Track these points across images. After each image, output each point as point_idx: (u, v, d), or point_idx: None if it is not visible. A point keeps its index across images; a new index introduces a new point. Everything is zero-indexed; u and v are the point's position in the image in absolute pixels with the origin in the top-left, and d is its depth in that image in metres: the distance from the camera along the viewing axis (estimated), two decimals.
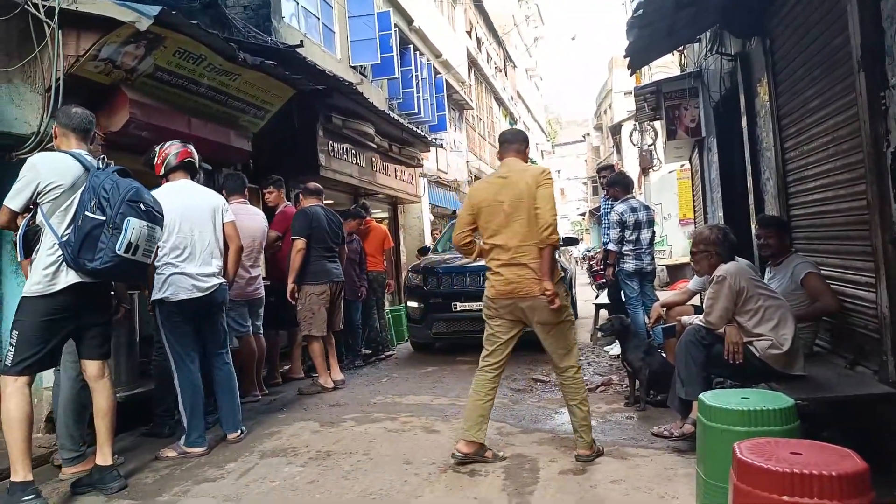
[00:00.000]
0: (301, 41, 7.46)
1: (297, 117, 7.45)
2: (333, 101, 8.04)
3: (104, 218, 2.86)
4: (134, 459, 3.61)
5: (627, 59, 5.88)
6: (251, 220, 5.11)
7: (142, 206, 2.96)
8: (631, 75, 8.83)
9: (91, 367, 3.10)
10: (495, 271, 3.31)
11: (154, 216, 3.03)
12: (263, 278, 5.51)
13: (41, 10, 4.36)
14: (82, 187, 2.93)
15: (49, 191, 2.89)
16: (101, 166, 3.04)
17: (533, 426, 3.99)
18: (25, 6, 4.31)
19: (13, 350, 2.86)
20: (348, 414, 4.47)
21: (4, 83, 4.30)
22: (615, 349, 6.32)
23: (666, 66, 12.90)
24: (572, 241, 7.21)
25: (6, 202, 2.94)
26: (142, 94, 5.06)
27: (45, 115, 4.48)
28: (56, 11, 4.37)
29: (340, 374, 5.66)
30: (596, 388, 4.97)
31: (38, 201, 2.91)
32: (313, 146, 7.94)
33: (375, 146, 10.02)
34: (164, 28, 4.70)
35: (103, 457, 3.07)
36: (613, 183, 6.21)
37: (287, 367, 6.12)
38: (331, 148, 8.48)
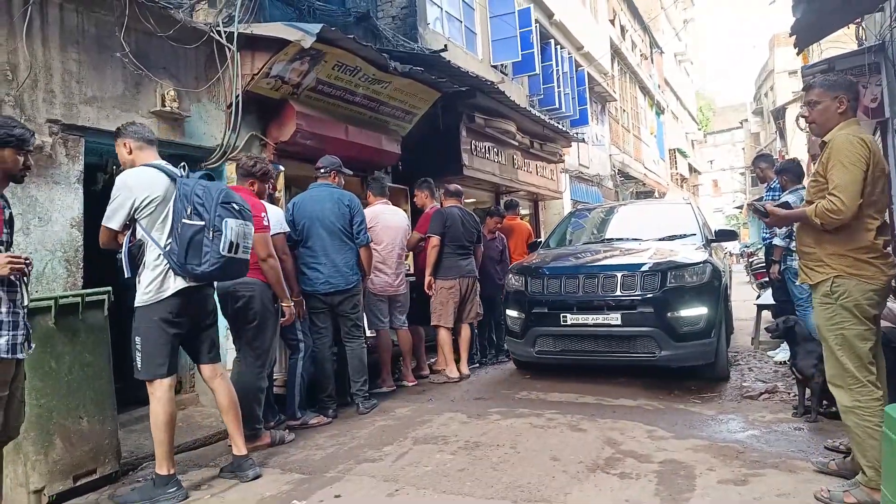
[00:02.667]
0: (445, 45, 7.72)
1: (441, 119, 7.71)
2: (476, 101, 8.20)
3: (203, 223, 2.94)
4: (303, 439, 3.97)
5: (793, 36, 5.37)
6: (393, 219, 5.38)
7: (234, 205, 3.04)
8: (798, 54, 8.02)
9: (205, 371, 3.27)
10: (883, 253, 2.68)
11: (245, 213, 3.09)
12: (409, 274, 5.81)
13: (223, 35, 4.94)
14: (174, 196, 3.01)
15: (146, 205, 2.97)
16: (183, 174, 3.12)
17: (687, 432, 3.80)
18: (210, 33, 4.90)
19: (140, 356, 3.01)
20: (494, 407, 4.56)
21: (195, 103, 4.92)
22: (780, 354, 5.82)
23: (839, 41, 11.55)
24: (730, 236, 6.10)
25: (105, 223, 3.01)
26: (306, 107, 5.54)
27: (227, 130, 5.07)
28: (235, 36, 4.93)
29: (467, 368, 5.86)
30: (759, 395, 4.61)
31: (135, 217, 2.99)
32: (457, 146, 8.16)
33: (517, 143, 10.06)
34: (325, 44, 5.10)
35: (237, 447, 3.29)
36: (784, 170, 5.67)
37: (434, 360, 6.37)
38: (473, 147, 8.66)
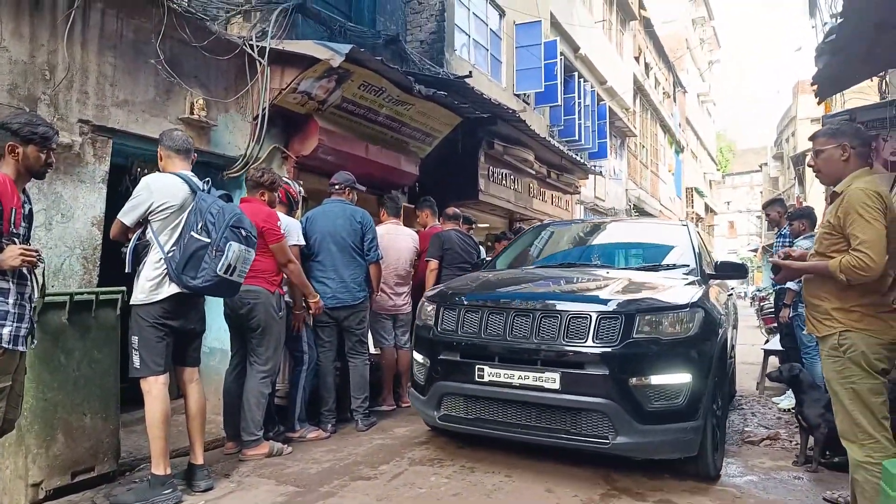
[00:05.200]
0: (469, 72, 7.85)
1: (461, 143, 7.82)
2: (496, 128, 8.32)
3: (209, 240, 3.06)
4: (300, 451, 3.99)
5: (815, 86, 5.42)
6: (400, 240, 5.40)
7: (242, 231, 3.17)
8: (819, 104, 8.06)
9: (185, 373, 3.33)
10: (893, 308, 2.64)
11: (251, 240, 3.23)
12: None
13: (255, 49, 5.08)
14: (189, 208, 3.13)
15: (161, 210, 3.09)
16: (205, 189, 3.24)
17: (685, 473, 3.76)
18: (243, 46, 5.05)
19: (137, 354, 3.10)
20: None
21: (222, 113, 5.05)
22: (784, 401, 5.77)
23: (863, 92, 11.60)
24: (737, 271, 4.32)
25: (120, 216, 3.15)
26: (330, 123, 5.65)
27: (251, 141, 5.18)
28: (266, 51, 5.07)
29: None
30: (760, 441, 4.57)
31: (149, 218, 3.12)
32: (474, 171, 8.26)
33: (534, 172, 10.15)
34: (353, 63, 5.23)
35: (195, 456, 3.28)
36: (799, 216, 5.68)
37: None
38: (491, 173, 8.75)
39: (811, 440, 3.98)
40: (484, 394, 3.50)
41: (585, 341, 3.29)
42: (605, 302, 3.41)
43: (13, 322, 2.49)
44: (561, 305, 3.46)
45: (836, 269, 2.62)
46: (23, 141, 2.58)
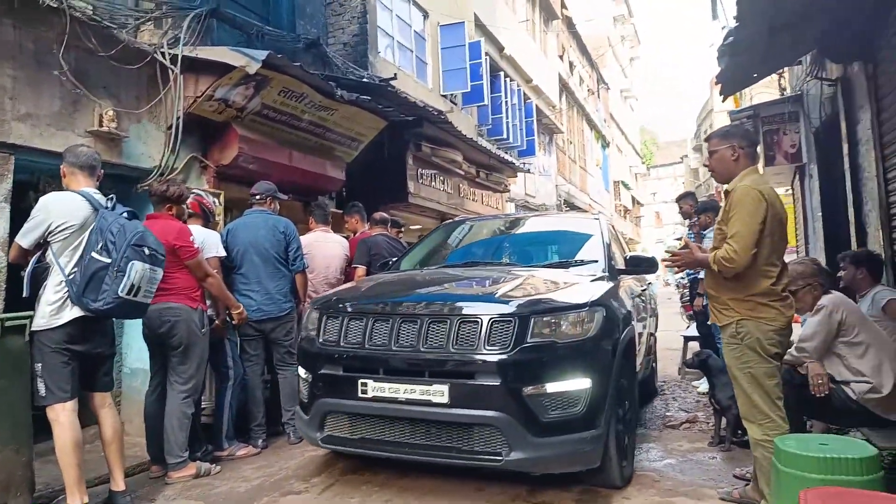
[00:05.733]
0: (395, 74, 7.86)
1: (388, 147, 7.82)
2: (423, 129, 8.37)
3: (109, 261, 2.98)
4: (229, 470, 3.92)
5: (719, 85, 5.76)
6: (329, 247, 5.33)
7: (146, 249, 3.08)
8: (724, 101, 8.55)
9: (95, 399, 3.23)
10: (782, 296, 2.88)
11: (156, 259, 3.15)
12: None
13: (167, 57, 4.93)
14: (91, 227, 3.04)
15: (60, 231, 3.00)
16: (108, 206, 3.14)
17: None
18: (153, 54, 4.88)
19: (42, 381, 3.00)
20: None
21: (134, 123, 4.87)
22: (703, 385, 6.09)
23: (771, 86, 12.33)
24: (647, 264, 4.17)
25: (17, 239, 3.06)
26: (250, 131, 5.54)
27: (166, 151, 5.02)
28: (179, 58, 4.93)
29: None
30: (679, 424, 4.83)
31: (48, 239, 3.02)
32: (403, 174, 8.29)
33: (463, 173, 10.28)
34: (271, 70, 5.15)
35: (115, 483, 3.21)
36: (705, 209, 6.01)
37: None
38: (420, 175, 8.80)
39: (724, 421, 4.25)
40: (368, 411, 3.18)
41: (476, 348, 3.01)
42: (496, 303, 3.18)
43: None
44: (449, 309, 3.18)
45: (711, 261, 2.85)
46: None
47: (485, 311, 3.10)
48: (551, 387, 2.99)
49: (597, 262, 4.06)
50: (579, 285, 3.54)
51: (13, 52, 4.06)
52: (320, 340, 3.40)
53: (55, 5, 4.14)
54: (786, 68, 7.99)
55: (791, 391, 3.21)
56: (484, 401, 2.97)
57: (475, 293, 3.57)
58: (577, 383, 3.03)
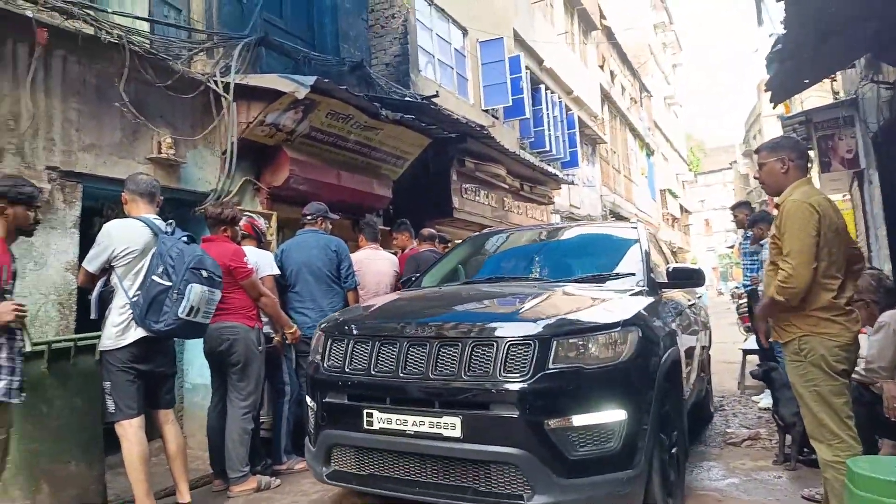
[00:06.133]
0: (437, 91, 7.97)
1: (432, 163, 7.91)
2: (466, 145, 8.42)
3: (170, 284, 3.11)
4: (288, 483, 3.99)
5: (768, 92, 5.61)
6: (379, 264, 5.39)
7: (203, 272, 3.21)
8: (774, 108, 8.33)
9: (159, 415, 3.34)
10: (846, 311, 2.76)
11: (214, 281, 3.27)
12: None
13: (219, 85, 5.12)
14: (152, 251, 3.18)
15: (122, 256, 3.14)
16: (168, 231, 3.27)
17: None
18: (207, 83, 5.09)
19: (110, 398, 3.14)
20: None
21: (190, 149, 5.07)
22: (764, 400, 5.88)
23: (818, 91, 11.96)
24: (693, 277, 3.67)
25: (84, 264, 3.23)
26: (299, 153, 5.70)
27: (221, 175, 5.21)
28: (231, 86, 5.11)
29: None
30: (741, 442, 4.67)
31: (112, 264, 3.17)
32: (447, 189, 8.35)
33: (507, 186, 10.28)
34: (319, 94, 5.29)
35: (181, 495, 3.30)
36: (757, 220, 5.85)
37: None
38: (464, 190, 8.85)
39: (789, 438, 4.08)
40: (375, 444, 2.84)
41: (491, 375, 2.64)
42: (514, 324, 2.82)
43: (7, 375, 2.57)
44: (461, 331, 2.82)
45: (773, 296, 2.75)
46: (11, 202, 2.72)
47: (501, 334, 2.75)
48: (578, 419, 2.59)
49: (634, 274, 3.65)
50: (611, 302, 3.14)
51: (78, 87, 4.30)
52: (325, 366, 3.10)
53: (116, 41, 4.37)
54: (838, 72, 7.72)
55: (861, 409, 3.07)
56: (501, 435, 2.59)
57: (492, 312, 3.24)
58: (610, 415, 2.63)
